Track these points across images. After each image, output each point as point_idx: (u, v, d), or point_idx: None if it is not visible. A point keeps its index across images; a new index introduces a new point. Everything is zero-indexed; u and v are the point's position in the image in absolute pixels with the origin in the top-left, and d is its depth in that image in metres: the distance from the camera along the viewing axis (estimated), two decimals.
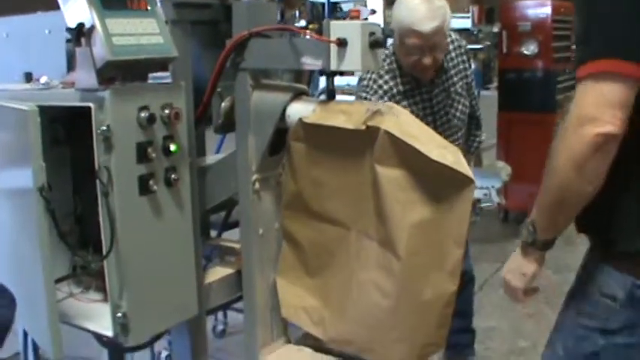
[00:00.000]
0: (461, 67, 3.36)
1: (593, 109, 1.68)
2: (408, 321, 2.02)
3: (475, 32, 4.82)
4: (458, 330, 3.95)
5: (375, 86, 3.22)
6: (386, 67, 3.21)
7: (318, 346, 2.28)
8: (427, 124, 2.88)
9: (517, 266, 2.05)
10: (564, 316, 2.08)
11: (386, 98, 3.14)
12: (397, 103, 3.02)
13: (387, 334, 2.06)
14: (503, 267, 2.14)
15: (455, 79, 3.34)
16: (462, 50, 3.38)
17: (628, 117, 1.68)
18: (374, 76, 3.23)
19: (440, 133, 3.05)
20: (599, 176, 1.75)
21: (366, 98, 3.18)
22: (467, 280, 3.88)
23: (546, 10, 6.61)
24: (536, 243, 1.98)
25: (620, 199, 1.86)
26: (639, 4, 1.70)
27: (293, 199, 2.20)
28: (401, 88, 3.20)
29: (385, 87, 3.21)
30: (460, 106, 3.39)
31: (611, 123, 1.66)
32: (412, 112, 3.01)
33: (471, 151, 3.79)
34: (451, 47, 3.31)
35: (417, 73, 3.19)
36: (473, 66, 3.43)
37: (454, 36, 3.41)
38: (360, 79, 3.36)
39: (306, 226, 2.21)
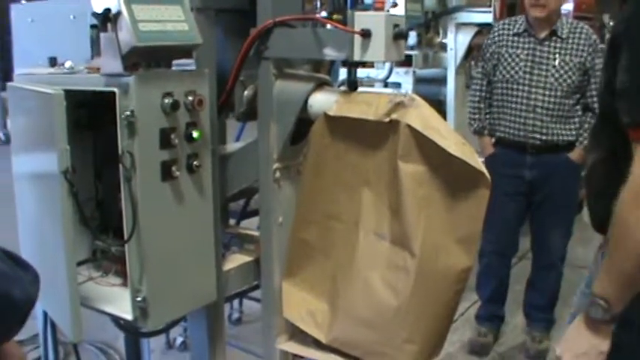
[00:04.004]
0: (580, 48, 3.86)
1: None
2: (420, 320, 2.01)
3: None
4: (537, 306, 4.37)
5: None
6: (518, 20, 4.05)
7: None
8: (525, 68, 3.82)
9: (590, 346, 1.80)
10: None
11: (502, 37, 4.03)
12: (508, 43, 3.97)
13: (396, 334, 2.04)
14: (560, 345, 1.90)
15: (567, 51, 3.85)
16: (591, 41, 3.89)
17: None
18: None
19: (534, 82, 3.84)
20: None
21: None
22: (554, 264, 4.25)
23: (568, 7, 6.59)
24: (613, 319, 1.74)
25: None
26: None
27: (309, 196, 2.21)
28: (518, 30, 3.97)
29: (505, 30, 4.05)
30: (562, 72, 3.85)
31: None
32: (517, 55, 3.91)
33: (580, 140, 3.99)
34: (577, 31, 3.90)
35: (531, 9, 3.85)
36: (598, 61, 3.84)
37: (586, 27, 3.98)
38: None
39: (318, 224, 2.21)
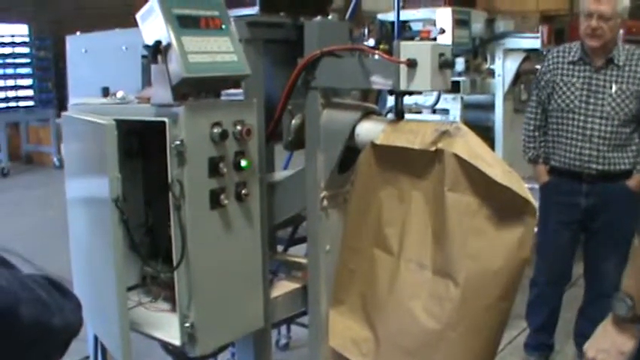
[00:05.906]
0: (638, 76, 3.72)
1: None
2: (465, 348, 2.01)
3: (544, 53, 4.76)
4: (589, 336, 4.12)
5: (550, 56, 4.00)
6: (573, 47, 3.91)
7: None
8: (581, 97, 3.67)
9: (612, 344, 1.79)
10: None
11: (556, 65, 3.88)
12: (563, 71, 3.82)
13: None
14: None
15: (624, 79, 3.74)
16: None
17: None
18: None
19: (590, 111, 3.67)
20: None
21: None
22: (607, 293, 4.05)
23: None
24: (636, 317, 1.74)
25: None
26: None
27: (355, 224, 2.22)
28: (573, 58, 3.84)
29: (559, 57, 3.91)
30: (618, 100, 3.71)
31: None
32: (573, 83, 3.76)
33: (638, 168, 3.86)
34: (635, 58, 3.75)
35: (587, 39, 3.71)
36: None
37: None
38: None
39: (364, 252, 2.22)
